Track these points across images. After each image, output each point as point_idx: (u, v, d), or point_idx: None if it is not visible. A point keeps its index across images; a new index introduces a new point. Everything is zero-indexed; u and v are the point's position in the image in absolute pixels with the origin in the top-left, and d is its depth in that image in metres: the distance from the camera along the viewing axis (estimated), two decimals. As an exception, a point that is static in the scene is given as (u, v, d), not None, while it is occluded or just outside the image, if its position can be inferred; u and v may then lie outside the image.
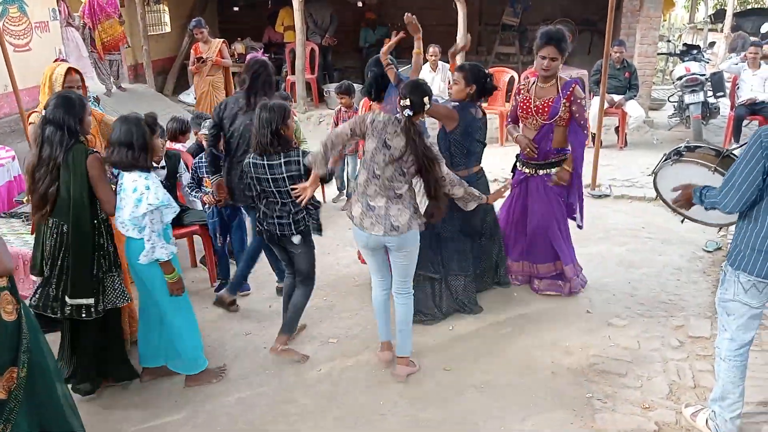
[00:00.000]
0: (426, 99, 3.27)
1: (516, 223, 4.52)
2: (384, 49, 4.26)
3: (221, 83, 7.85)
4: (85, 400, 3.42)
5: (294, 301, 3.81)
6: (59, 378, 2.70)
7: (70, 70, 3.83)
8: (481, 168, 4.15)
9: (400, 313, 3.58)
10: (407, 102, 3.22)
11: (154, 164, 4.47)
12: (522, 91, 4.29)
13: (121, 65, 9.85)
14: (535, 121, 4.18)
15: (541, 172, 4.29)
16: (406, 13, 4.16)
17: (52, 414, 2.61)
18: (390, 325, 3.70)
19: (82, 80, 3.94)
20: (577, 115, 4.10)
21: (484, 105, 9.06)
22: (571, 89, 4.07)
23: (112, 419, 3.32)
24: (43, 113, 3.16)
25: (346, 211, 3.55)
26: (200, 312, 4.37)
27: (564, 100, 4.07)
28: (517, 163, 4.44)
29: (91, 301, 3.20)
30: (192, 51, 7.85)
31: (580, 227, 4.48)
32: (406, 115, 3.22)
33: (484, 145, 4.07)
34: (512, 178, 4.50)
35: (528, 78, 4.36)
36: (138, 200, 3.09)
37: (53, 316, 3.22)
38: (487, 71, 4.00)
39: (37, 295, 3.23)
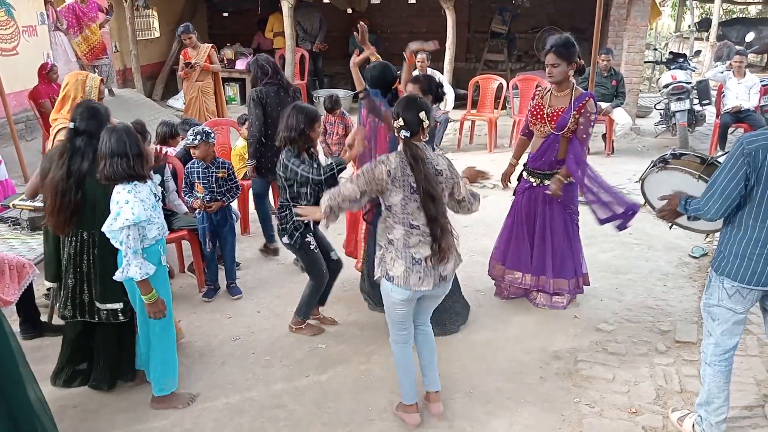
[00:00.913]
0: (422, 114, 2.91)
1: (518, 232, 4.43)
2: (356, 60, 4.12)
3: (210, 88, 7.84)
4: (71, 405, 3.40)
5: (303, 291, 4.11)
6: (30, 380, 2.68)
7: (101, 80, 3.92)
8: None
9: (425, 343, 3.30)
10: (401, 122, 2.91)
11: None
12: (536, 97, 4.26)
13: (111, 69, 9.82)
14: (543, 129, 4.14)
15: (546, 182, 4.22)
16: (360, 22, 4.15)
17: (20, 414, 2.59)
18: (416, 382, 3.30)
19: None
20: (581, 127, 4.05)
21: (473, 112, 9.17)
22: (583, 102, 4.02)
23: (97, 424, 3.29)
24: (73, 125, 3.16)
25: (379, 273, 3.09)
26: (188, 318, 4.37)
27: (575, 112, 4.02)
28: (524, 172, 4.39)
29: (119, 305, 3.29)
30: (181, 56, 7.83)
31: (620, 229, 4.17)
32: (403, 137, 2.91)
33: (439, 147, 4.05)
34: (518, 185, 4.46)
35: (546, 86, 4.35)
36: (117, 213, 2.97)
37: (92, 320, 3.34)
38: (437, 80, 4.01)
39: (69, 305, 3.30)
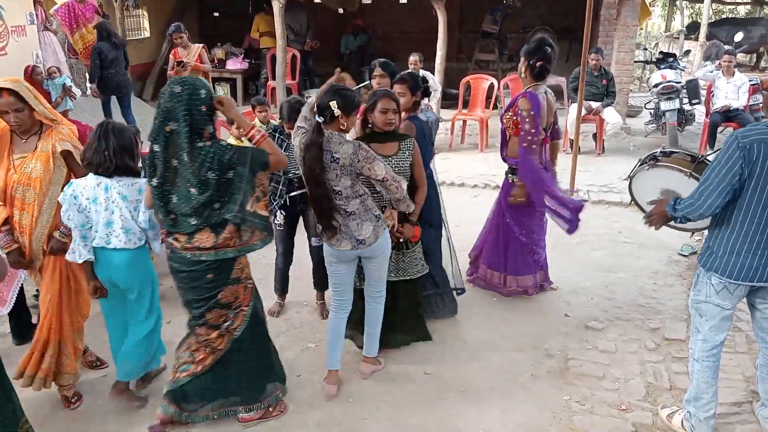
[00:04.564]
0: (333, 104, 3.03)
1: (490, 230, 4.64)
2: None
3: (201, 88, 7.80)
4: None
5: None
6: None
7: (2, 91, 3.08)
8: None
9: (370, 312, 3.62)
10: (315, 108, 3.15)
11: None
12: None
13: None
14: None
15: (509, 175, 4.37)
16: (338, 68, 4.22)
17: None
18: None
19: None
20: (519, 126, 4.08)
21: (464, 111, 9.15)
22: (516, 101, 4.12)
23: (88, 426, 3.28)
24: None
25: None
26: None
27: (511, 111, 4.16)
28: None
29: None
30: (171, 56, 7.81)
31: (568, 232, 4.27)
32: (317, 121, 3.09)
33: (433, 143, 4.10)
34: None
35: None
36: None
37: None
38: (421, 75, 4.09)
39: None
